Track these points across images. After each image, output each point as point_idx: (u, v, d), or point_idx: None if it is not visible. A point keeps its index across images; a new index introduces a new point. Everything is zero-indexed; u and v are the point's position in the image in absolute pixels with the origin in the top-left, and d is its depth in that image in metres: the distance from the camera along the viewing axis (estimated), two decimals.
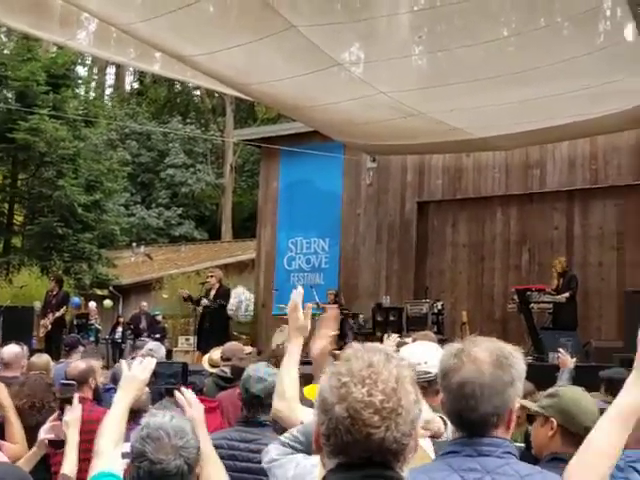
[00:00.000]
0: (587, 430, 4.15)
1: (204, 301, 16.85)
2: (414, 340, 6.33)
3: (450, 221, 18.60)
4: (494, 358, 2.64)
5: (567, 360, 9.02)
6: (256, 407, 5.34)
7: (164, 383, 7.81)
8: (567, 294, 14.57)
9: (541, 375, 9.53)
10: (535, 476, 2.69)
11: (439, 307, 16.49)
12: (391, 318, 16.73)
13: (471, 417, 2.64)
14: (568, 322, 14.51)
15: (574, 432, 4.15)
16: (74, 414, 4.79)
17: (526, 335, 14.90)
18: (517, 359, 2.69)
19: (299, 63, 11.05)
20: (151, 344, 10.73)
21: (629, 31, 9.38)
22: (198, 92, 48.63)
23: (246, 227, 39.90)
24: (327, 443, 2.12)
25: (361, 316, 17.33)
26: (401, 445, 2.08)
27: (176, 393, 4.28)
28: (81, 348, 10.85)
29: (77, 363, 8.24)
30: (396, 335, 7.52)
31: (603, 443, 2.91)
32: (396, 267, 18.88)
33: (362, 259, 19.30)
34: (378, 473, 2.07)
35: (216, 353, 9.02)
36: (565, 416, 4.27)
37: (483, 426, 2.63)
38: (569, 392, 4.48)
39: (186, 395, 4.05)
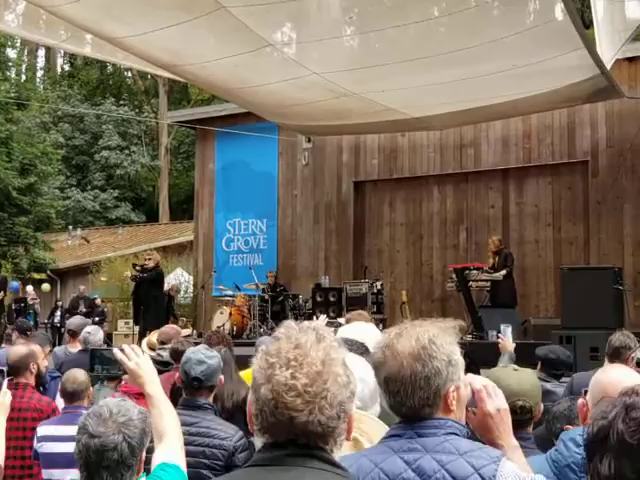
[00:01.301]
0: None
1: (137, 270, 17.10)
2: (348, 320, 6.29)
3: (387, 200, 18.68)
4: (414, 352, 2.60)
5: (506, 345, 9.15)
6: (196, 390, 5.33)
7: (103, 369, 7.71)
8: (504, 272, 14.75)
9: (481, 353, 9.73)
10: (475, 452, 2.67)
11: (378, 287, 16.59)
12: (331, 298, 16.76)
13: (402, 411, 2.64)
14: (506, 300, 14.70)
15: None
16: (2, 400, 4.71)
17: (465, 313, 15.02)
18: (441, 346, 2.63)
19: (231, 44, 10.97)
20: (89, 327, 10.64)
21: (558, 10, 9.47)
22: (130, 74, 47.98)
23: (183, 209, 39.71)
24: (256, 422, 2.13)
25: (301, 297, 17.32)
26: (327, 428, 2.08)
27: (116, 352, 4.25)
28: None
29: (17, 348, 8.09)
30: (324, 315, 7.54)
31: None
32: (334, 247, 18.92)
33: (300, 240, 19.31)
34: (302, 452, 2.07)
35: (155, 336, 8.94)
36: None
37: (416, 415, 2.62)
38: (493, 374, 4.51)
39: (126, 350, 4.01)
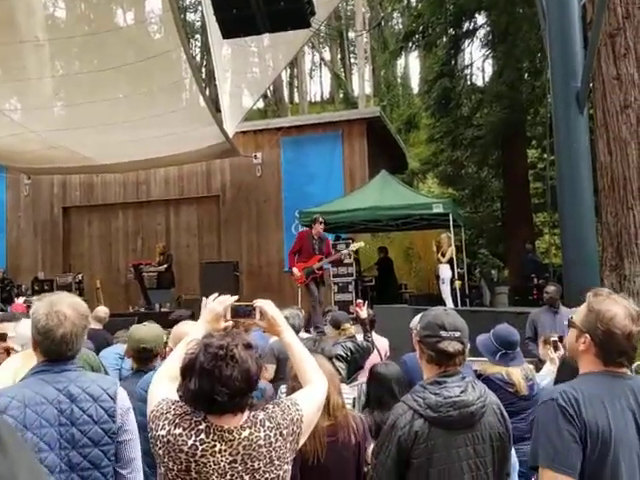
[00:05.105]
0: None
1: None
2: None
3: (87, 220, 17.87)
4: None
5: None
6: None
7: None
8: (165, 265, 14.80)
9: (152, 318, 9.73)
10: (100, 379, 2.61)
11: (80, 278, 15.83)
12: (45, 287, 15.71)
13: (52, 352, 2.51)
14: (167, 283, 14.75)
15: None
16: None
17: (141, 293, 14.89)
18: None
19: None
20: None
21: (201, 100, 9.75)
22: None
23: None
24: None
25: (23, 286, 16.10)
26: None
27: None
28: None
29: None
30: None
31: None
32: (49, 252, 17.82)
33: (24, 247, 17.96)
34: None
35: None
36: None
37: (61, 356, 2.50)
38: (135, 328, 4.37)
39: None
